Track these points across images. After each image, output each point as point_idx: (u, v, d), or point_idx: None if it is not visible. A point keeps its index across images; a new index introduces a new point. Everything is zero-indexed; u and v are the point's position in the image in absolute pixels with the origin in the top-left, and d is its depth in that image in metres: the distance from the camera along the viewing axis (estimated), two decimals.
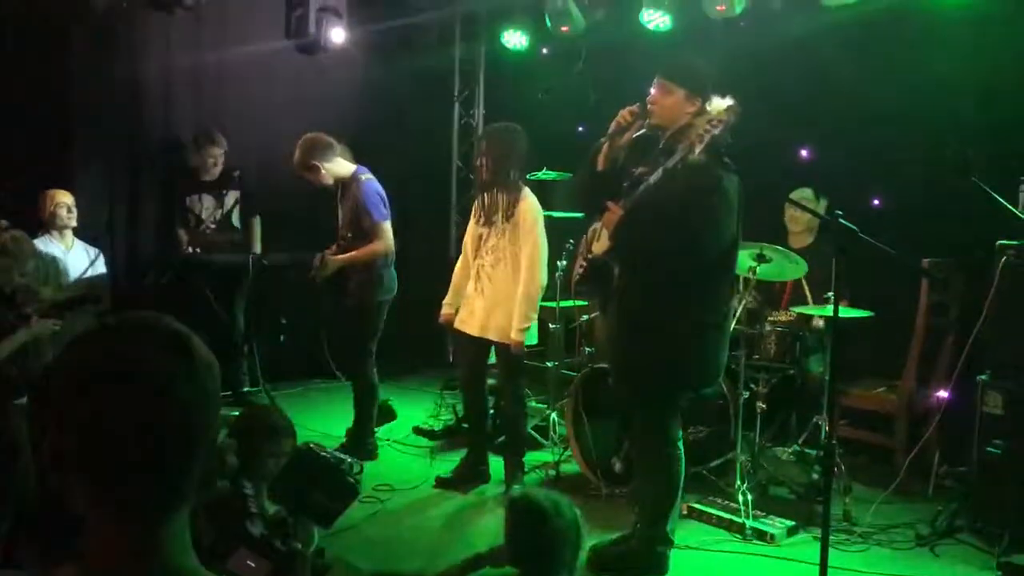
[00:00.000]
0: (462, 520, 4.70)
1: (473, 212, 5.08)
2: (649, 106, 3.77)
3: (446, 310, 5.12)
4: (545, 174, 6.17)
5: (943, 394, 4.80)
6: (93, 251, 5.68)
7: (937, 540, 4.32)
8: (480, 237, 4.94)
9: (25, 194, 5.48)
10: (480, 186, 5.00)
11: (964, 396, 4.51)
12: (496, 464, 5.15)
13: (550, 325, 5.84)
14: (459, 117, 8.29)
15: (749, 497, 4.44)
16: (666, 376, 3.79)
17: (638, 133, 3.83)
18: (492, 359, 5.05)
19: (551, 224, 4.96)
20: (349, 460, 2.46)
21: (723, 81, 3.81)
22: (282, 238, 6.71)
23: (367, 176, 5.36)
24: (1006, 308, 4.27)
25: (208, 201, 6.49)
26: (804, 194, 5.29)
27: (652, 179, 3.67)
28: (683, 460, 3.93)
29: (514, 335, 4.75)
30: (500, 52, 7.55)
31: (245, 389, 6.56)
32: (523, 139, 4.84)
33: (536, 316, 4.83)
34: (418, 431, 6.08)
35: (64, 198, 5.53)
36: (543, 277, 4.82)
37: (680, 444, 3.93)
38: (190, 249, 6.33)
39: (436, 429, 6.07)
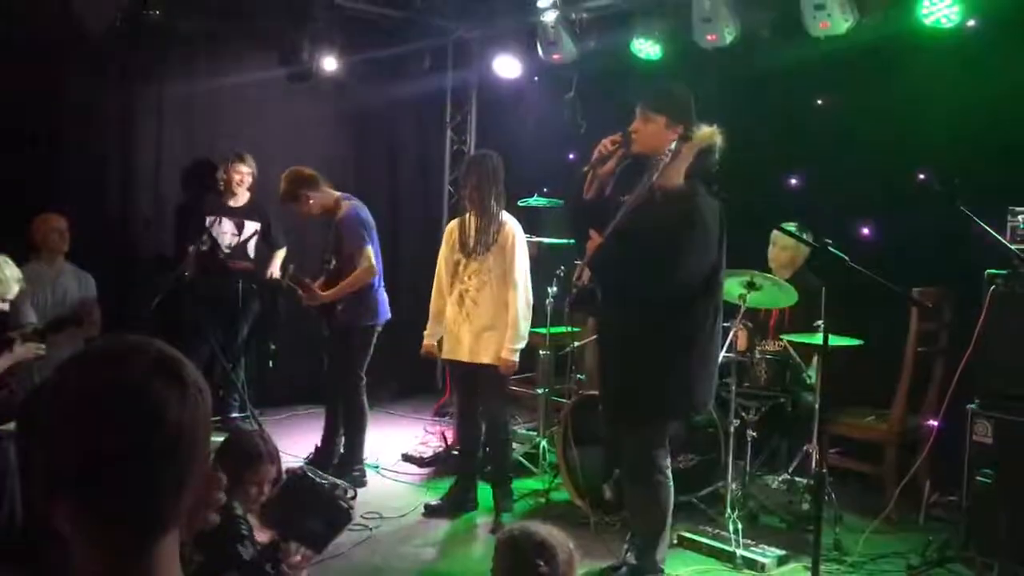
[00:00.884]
0: (451, 548, 4.67)
1: (446, 239, 5.10)
2: (632, 135, 3.80)
3: (428, 341, 5.13)
4: (536, 200, 6.19)
5: (933, 423, 4.81)
6: (84, 275, 5.65)
7: (928, 570, 4.30)
8: (457, 263, 4.95)
9: (15, 219, 5.46)
10: (462, 211, 5.04)
11: (954, 425, 4.52)
12: (485, 492, 5.12)
13: (540, 351, 5.83)
14: (451, 143, 8.32)
15: (739, 526, 4.42)
16: (650, 404, 3.78)
17: (624, 162, 3.86)
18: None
19: (542, 251, 4.98)
20: (343, 485, 2.45)
21: (711, 110, 3.84)
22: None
23: (350, 202, 5.42)
24: (995, 337, 4.28)
25: (228, 226, 6.47)
26: (788, 228, 5.28)
27: (624, 206, 3.70)
28: (671, 488, 3.92)
29: (504, 354, 4.76)
30: (492, 79, 7.59)
31: (233, 415, 6.52)
32: (501, 166, 4.88)
33: (525, 340, 4.84)
34: (407, 458, 6.05)
35: (56, 223, 5.51)
36: (531, 296, 4.85)
37: (668, 472, 3.92)
38: (186, 273, 6.29)
39: (425, 456, 6.03)
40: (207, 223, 6.38)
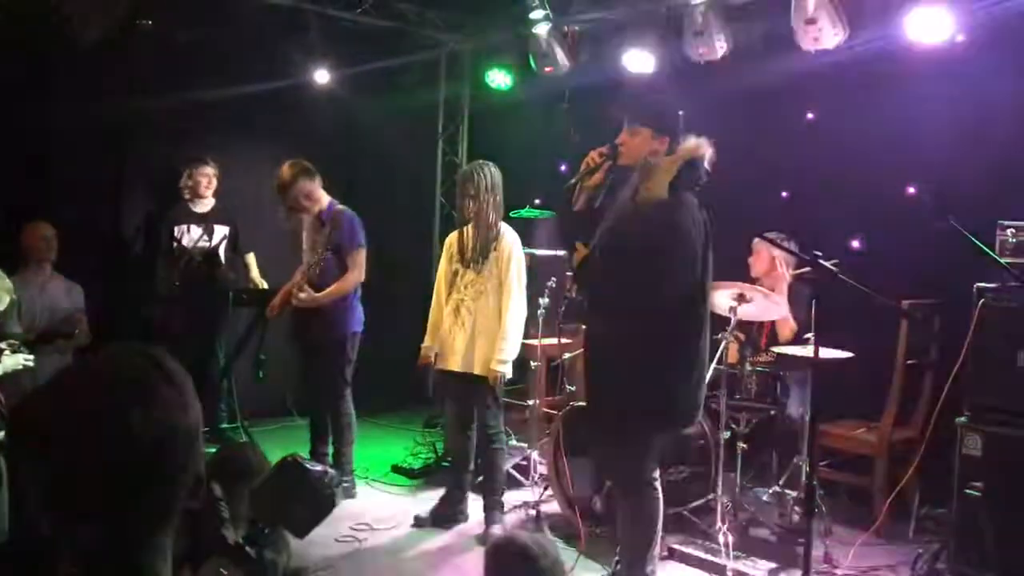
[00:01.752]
0: (440, 560, 4.66)
1: (445, 250, 5.10)
2: (619, 147, 3.81)
3: (426, 353, 5.11)
4: (528, 211, 6.19)
5: (923, 436, 4.82)
6: (72, 285, 5.62)
7: None
8: (456, 274, 4.96)
9: (3, 228, 5.44)
10: (460, 223, 5.04)
11: (943, 437, 4.53)
12: (475, 503, 5.11)
13: (531, 363, 5.83)
14: (443, 154, 8.32)
15: (730, 538, 4.42)
16: (637, 416, 3.77)
17: (611, 174, 3.87)
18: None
19: (534, 262, 4.98)
20: (331, 473, 2.44)
21: (701, 123, 3.85)
22: (267, 277, 6.74)
23: (343, 207, 5.42)
24: (984, 349, 4.30)
25: (196, 232, 6.44)
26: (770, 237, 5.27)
27: (608, 218, 3.71)
28: (660, 500, 3.91)
29: (494, 365, 4.75)
30: (484, 91, 7.61)
31: (223, 425, 6.50)
32: (499, 176, 4.89)
33: (516, 352, 4.83)
34: (397, 469, 6.03)
35: (44, 231, 5.49)
36: (524, 310, 4.85)
37: (657, 484, 3.91)
38: (176, 283, 6.28)
39: (415, 468, 6.02)
40: (175, 233, 6.37)
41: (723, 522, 4.50)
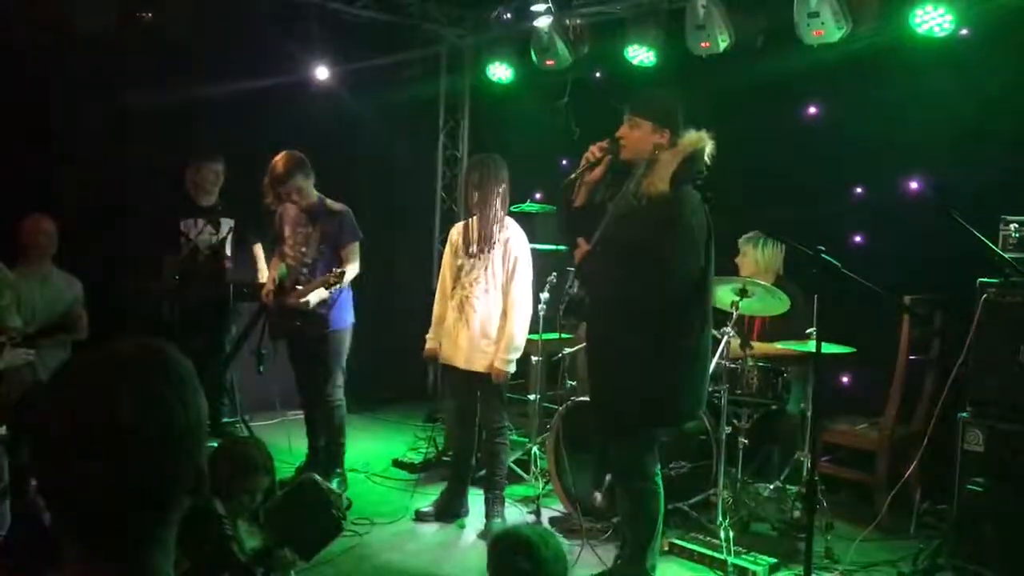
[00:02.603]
0: (441, 554, 4.65)
1: (449, 243, 5.08)
2: (620, 141, 3.79)
3: (431, 344, 5.07)
4: (528, 206, 6.18)
5: (924, 431, 4.81)
6: (72, 279, 5.61)
7: None
8: (460, 268, 4.93)
9: (3, 221, 5.43)
10: (465, 214, 5.02)
11: (945, 433, 4.52)
12: (476, 498, 5.11)
13: (532, 358, 5.82)
14: (444, 149, 8.31)
15: (731, 533, 4.42)
16: (638, 411, 3.77)
17: (611, 168, 3.85)
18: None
19: (534, 257, 4.96)
20: (345, 497, 2.46)
21: (703, 117, 3.84)
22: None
23: (339, 204, 5.42)
24: (986, 345, 4.29)
25: (203, 226, 6.43)
26: (749, 236, 5.26)
27: (609, 214, 3.70)
28: (661, 495, 3.91)
29: (498, 364, 4.73)
30: (485, 85, 7.59)
31: (224, 420, 6.49)
32: (505, 168, 4.87)
33: (521, 349, 4.82)
34: (397, 464, 6.03)
35: (45, 225, 5.47)
36: (530, 309, 4.83)
37: (658, 479, 3.91)
38: (176, 277, 6.25)
39: (416, 462, 6.02)
40: (182, 227, 6.35)
41: (724, 517, 4.49)
